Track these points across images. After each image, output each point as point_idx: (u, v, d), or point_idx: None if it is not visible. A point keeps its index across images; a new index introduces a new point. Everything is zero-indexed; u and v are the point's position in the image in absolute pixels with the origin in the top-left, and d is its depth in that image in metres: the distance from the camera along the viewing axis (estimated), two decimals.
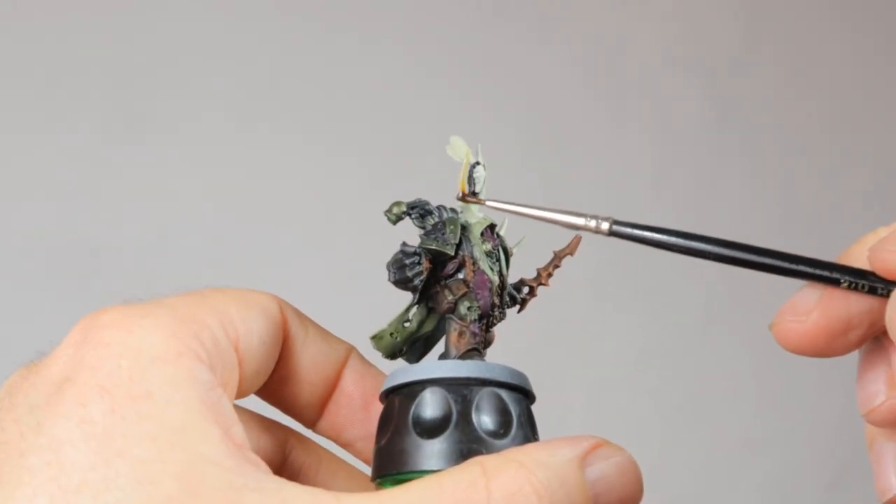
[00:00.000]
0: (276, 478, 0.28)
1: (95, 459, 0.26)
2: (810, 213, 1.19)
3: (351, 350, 0.37)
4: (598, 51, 1.13)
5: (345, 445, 0.37)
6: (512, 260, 0.36)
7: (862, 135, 1.22)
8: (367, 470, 0.37)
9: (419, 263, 0.34)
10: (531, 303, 0.37)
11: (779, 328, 0.34)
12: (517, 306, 0.37)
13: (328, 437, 0.37)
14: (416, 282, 0.34)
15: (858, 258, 0.33)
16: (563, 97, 1.11)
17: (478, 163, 0.36)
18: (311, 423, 0.37)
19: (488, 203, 0.35)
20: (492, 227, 0.36)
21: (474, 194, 0.35)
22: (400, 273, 0.34)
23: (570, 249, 0.37)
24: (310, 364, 0.35)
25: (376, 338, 0.35)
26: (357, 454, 0.37)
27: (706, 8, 1.18)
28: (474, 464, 0.29)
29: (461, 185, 0.35)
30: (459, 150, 0.36)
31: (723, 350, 1.13)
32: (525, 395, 0.34)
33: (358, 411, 0.36)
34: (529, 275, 0.37)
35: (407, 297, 0.36)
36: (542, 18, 1.11)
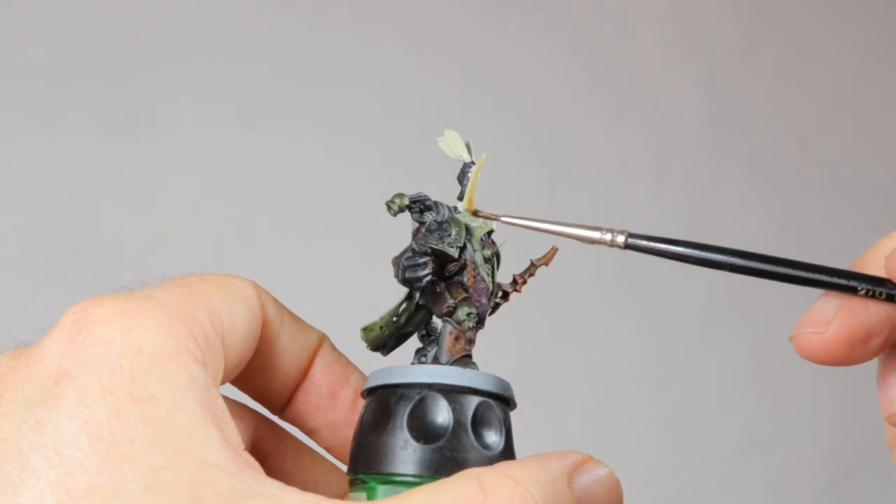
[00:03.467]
0: (277, 482, 0.28)
1: (102, 464, 0.26)
2: (811, 214, 1.19)
3: (323, 338, 0.36)
4: (599, 51, 1.13)
5: (309, 433, 0.37)
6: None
7: (863, 134, 1.22)
8: (329, 458, 0.37)
9: (427, 264, 0.34)
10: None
11: (799, 340, 0.33)
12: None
13: (293, 424, 0.37)
14: (424, 282, 0.34)
15: (874, 265, 0.33)
16: (563, 98, 1.11)
17: (472, 163, 0.36)
18: (279, 410, 0.37)
19: (503, 219, 0.35)
20: (489, 233, 0.36)
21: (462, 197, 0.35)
22: (411, 272, 0.34)
23: (546, 260, 0.37)
24: (284, 352, 0.35)
25: (367, 329, 0.35)
26: (320, 441, 0.37)
27: (706, 8, 1.18)
28: (470, 477, 0.29)
29: (470, 198, 0.35)
30: (454, 146, 0.35)
31: (723, 352, 1.13)
32: (509, 405, 0.34)
33: (325, 399, 0.36)
34: (505, 279, 0.37)
35: (398, 292, 0.35)
36: (542, 19, 1.11)
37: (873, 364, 0.34)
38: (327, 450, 0.37)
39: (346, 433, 0.36)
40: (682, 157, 1.15)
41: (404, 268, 0.34)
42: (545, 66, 1.11)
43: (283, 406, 0.37)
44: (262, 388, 0.36)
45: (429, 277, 0.34)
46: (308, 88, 1.01)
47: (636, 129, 1.13)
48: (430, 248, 0.34)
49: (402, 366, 0.33)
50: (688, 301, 1.13)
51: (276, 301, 0.35)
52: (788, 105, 1.20)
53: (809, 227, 1.17)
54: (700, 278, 1.12)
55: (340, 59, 1.03)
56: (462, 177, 0.35)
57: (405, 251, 0.34)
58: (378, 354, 0.36)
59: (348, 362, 0.37)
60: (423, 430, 0.31)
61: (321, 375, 0.36)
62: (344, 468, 0.36)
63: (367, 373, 0.35)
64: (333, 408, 0.36)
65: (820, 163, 1.20)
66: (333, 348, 0.37)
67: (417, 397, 0.32)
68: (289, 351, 0.35)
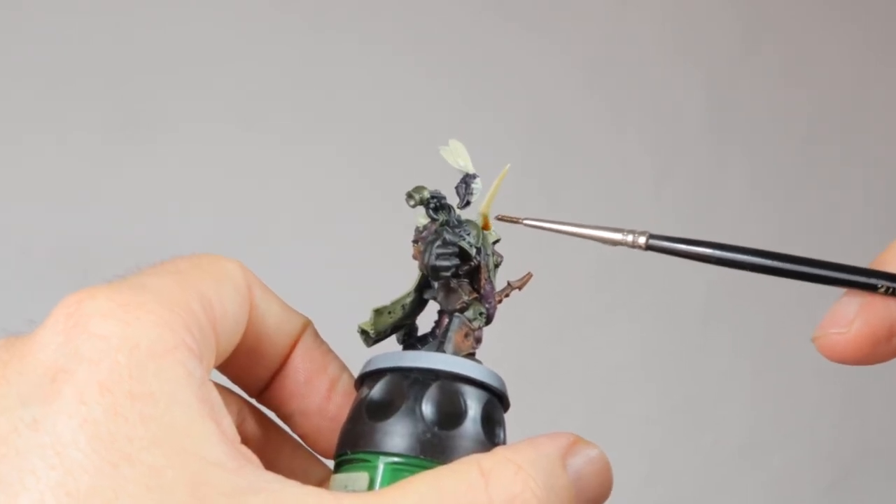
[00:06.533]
0: (276, 476, 0.28)
1: (102, 464, 0.26)
2: (811, 214, 1.19)
3: (308, 324, 0.36)
4: (599, 51, 1.13)
5: (284, 418, 0.37)
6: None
7: (863, 135, 1.22)
8: (303, 444, 0.37)
9: (455, 256, 0.34)
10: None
11: (822, 341, 0.34)
12: None
13: (269, 408, 0.37)
14: (449, 273, 0.34)
15: (894, 263, 0.33)
16: (563, 98, 1.11)
17: (475, 175, 0.36)
18: (257, 394, 0.36)
19: (525, 222, 0.36)
20: (495, 242, 0.36)
21: (469, 203, 0.36)
22: (443, 259, 0.34)
23: (520, 284, 0.37)
24: (268, 336, 0.35)
25: (378, 311, 0.35)
26: (294, 427, 0.36)
27: (706, 8, 1.18)
28: (470, 463, 0.29)
29: (488, 204, 0.35)
30: (457, 155, 0.36)
31: (722, 354, 1.13)
32: (504, 406, 0.34)
33: (301, 385, 0.36)
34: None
35: (393, 291, 0.35)
36: (542, 19, 1.11)
37: (873, 367, 0.34)
38: (301, 437, 0.37)
39: (317, 421, 0.35)
40: (682, 157, 1.15)
41: (437, 255, 0.34)
42: (545, 66, 1.11)
43: (261, 390, 0.36)
44: (244, 371, 0.35)
45: (454, 269, 0.34)
46: (308, 88, 1.01)
47: (636, 129, 1.13)
48: (458, 244, 0.34)
49: (417, 352, 0.33)
50: (687, 303, 1.12)
51: (262, 284, 0.34)
52: (788, 105, 1.20)
53: (809, 228, 1.17)
54: (699, 280, 1.12)
55: (341, 60, 1.02)
56: (463, 187, 0.36)
57: (436, 239, 0.34)
58: (357, 347, 0.36)
59: (329, 350, 0.36)
60: (438, 416, 0.31)
61: (300, 361, 0.36)
62: (318, 456, 0.36)
63: (344, 363, 0.35)
64: (308, 394, 0.36)
65: (820, 163, 1.20)
66: (316, 335, 0.36)
67: (434, 383, 0.32)
68: (273, 335, 0.35)
